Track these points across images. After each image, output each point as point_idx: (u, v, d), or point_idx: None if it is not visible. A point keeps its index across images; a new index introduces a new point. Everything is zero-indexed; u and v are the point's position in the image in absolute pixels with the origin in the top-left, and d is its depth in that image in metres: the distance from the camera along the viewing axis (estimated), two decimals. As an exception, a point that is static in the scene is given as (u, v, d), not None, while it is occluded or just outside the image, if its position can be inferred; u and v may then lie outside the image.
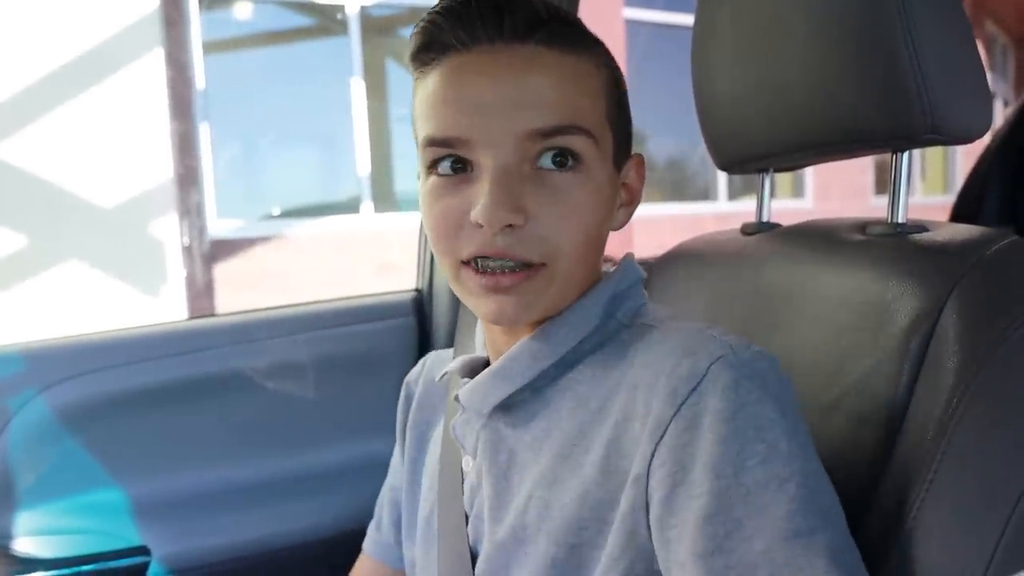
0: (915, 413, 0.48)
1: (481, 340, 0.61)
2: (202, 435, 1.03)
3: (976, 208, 1.30)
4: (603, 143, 0.50)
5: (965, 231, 0.55)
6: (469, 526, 0.56)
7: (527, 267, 0.48)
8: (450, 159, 0.48)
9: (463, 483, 0.57)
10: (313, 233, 4.55)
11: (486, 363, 0.59)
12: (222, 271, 4.32)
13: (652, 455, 0.44)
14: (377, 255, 4.48)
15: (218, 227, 4.35)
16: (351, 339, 1.12)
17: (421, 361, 0.74)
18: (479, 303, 0.49)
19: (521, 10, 0.47)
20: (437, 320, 1.15)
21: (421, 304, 1.18)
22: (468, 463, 0.57)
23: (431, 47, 0.49)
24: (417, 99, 0.51)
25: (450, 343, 1.11)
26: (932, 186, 7.78)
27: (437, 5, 0.50)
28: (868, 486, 0.49)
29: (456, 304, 1.12)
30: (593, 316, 0.52)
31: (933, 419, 0.46)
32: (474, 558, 0.54)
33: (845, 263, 0.58)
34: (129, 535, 0.96)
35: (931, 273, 0.51)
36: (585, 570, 0.47)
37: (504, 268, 0.47)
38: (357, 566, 0.77)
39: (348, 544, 1.05)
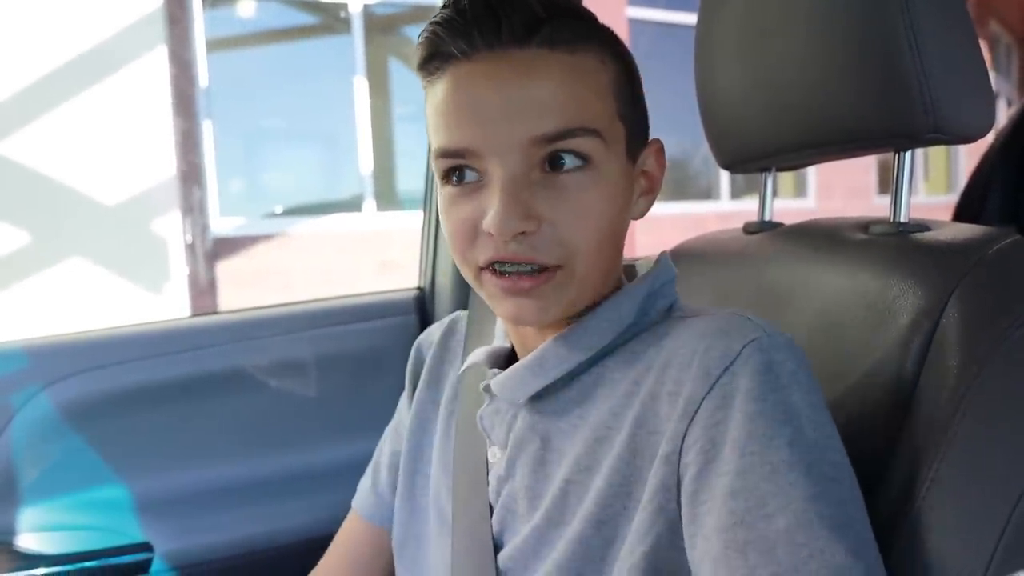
0: (917, 412, 0.48)
1: (502, 330, 0.61)
2: (205, 432, 1.04)
3: (979, 208, 1.30)
4: (613, 139, 0.49)
5: (967, 230, 0.55)
6: (494, 517, 0.55)
7: (545, 269, 0.48)
8: (461, 169, 0.49)
9: (488, 473, 0.57)
10: (315, 231, 4.55)
11: (511, 353, 0.59)
12: (225, 269, 4.33)
13: (685, 434, 0.45)
14: (379, 253, 4.49)
15: (221, 225, 4.36)
16: (353, 337, 1.12)
17: (438, 324, 0.73)
18: (499, 305, 0.50)
19: (518, 13, 0.47)
20: (439, 317, 1.15)
21: (423, 302, 1.18)
22: (495, 454, 0.57)
23: (435, 57, 0.50)
24: (428, 108, 0.52)
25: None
26: (935, 186, 7.76)
27: (436, 14, 0.50)
28: (872, 483, 0.49)
29: (459, 302, 1.12)
30: (628, 313, 0.53)
31: (935, 418, 0.46)
32: (497, 548, 0.54)
33: (847, 262, 0.58)
34: (132, 531, 0.97)
35: (933, 272, 0.51)
36: (611, 547, 0.47)
37: (521, 271, 0.48)
38: (347, 527, 0.75)
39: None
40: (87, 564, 0.93)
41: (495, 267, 0.49)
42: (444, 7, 0.50)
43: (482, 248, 0.49)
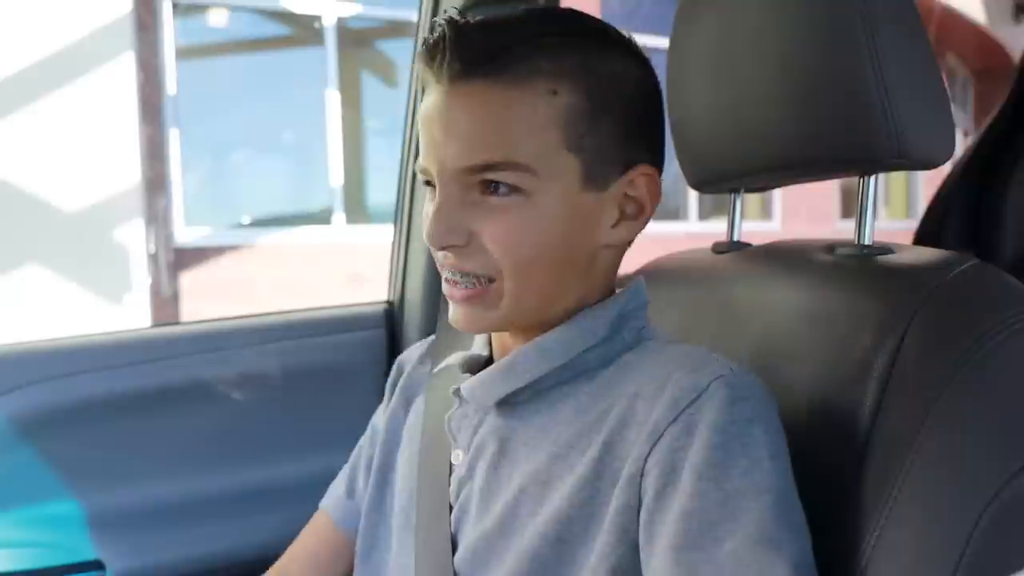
0: (880, 432, 0.48)
1: (483, 339, 0.63)
2: (163, 446, 1.01)
3: (939, 233, 1.33)
4: (552, 172, 0.50)
5: (929, 254, 0.56)
6: (452, 516, 0.57)
7: (478, 283, 0.52)
8: (429, 184, 0.54)
9: (450, 475, 0.59)
10: (283, 243, 4.50)
11: (487, 361, 0.61)
12: (188, 279, 4.25)
13: (647, 457, 0.47)
14: (348, 267, 4.45)
15: (186, 235, 4.28)
16: (321, 350, 1.10)
17: (418, 345, 0.76)
18: (450, 309, 0.55)
19: (466, 48, 0.49)
20: (408, 332, 1.14)
21: (392, 316, 1.17)
22: (458, 456, 0.58)
23: (426, 76, 0.53)
24: None
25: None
26: (895, 211, 7.98)
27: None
28: (834, 503, 0.49)
29: (429, 316, 1.11)
30: (600, 327, 0.55)
31: (897, 439, 0.47)
32: (454, 550, 0.55)
33: (813, 283, 0.59)
34: (83, 549, 0.93)
35: (896, 294, 0.52)
36: (570, 567, 0.49)
37: (457, 281, 0.53)
38: (312, 528, 0.75)
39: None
40: (35, 583, 0.89)
41: (447, 275, 0.54)
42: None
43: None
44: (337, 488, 0.75)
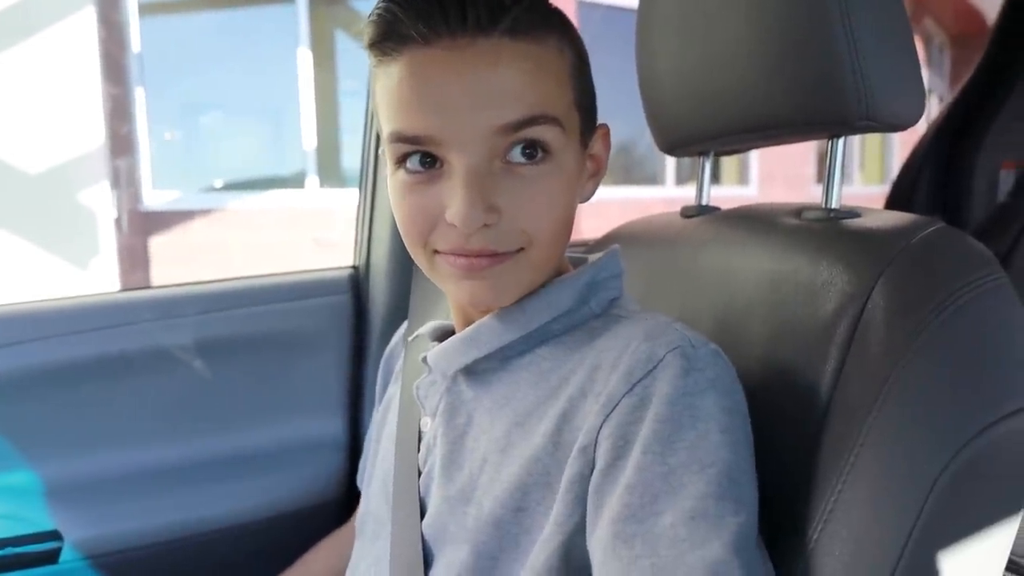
0: (841, 395, 0.48)
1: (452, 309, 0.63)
2: (123, 414, 0.99)
3: (910, 197, 1.34)
4: (570, 127, 0.50)
5: (895, 218, 0.55)
6: (420, 482, 0.57)
7: (505, 255, 0.49)
8: (418, 155, 0.48)
9: (420, 442, 0.59)
10: (254, 207, 4.42)
11: (454, 330, 0.61)
12: (157, 244, 4.17)
13: (600, 427, 0.46)
14: (321, 231, 4.39)
15: (153, 198, 4.19)
16: (285, 316, 1.08)
17: (399, 331, 0.77)
18: (454, 288, 0.51)
19: (482, 2, 0.46)
20: (374, 297, 1.12)
21: (358, 281, 1.15)
22: (427, 423, 0.59)
23: (389, 37, 0.47)
24: (379, 88, 0.50)
25: (389, 319, 1.09)
26: (870, 176, 8.05)
27: None
28: (793, 470, 0.49)
29: (395, 281, 1.10)
30: (567, 298, 0.54)
31: (858, 402, 0.47)
32: (423, 516, 0.56)
33: (780, 246, 0.58)
34: (39, 519, 0.91)
35: (861, 258, 0.51)
36: (528, 535, 0.49)
37: (478, 255, 0.49)
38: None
39: (278, 527, 1.02)
40: (-11, 554, 0.88)
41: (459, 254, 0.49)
42: None
43: (441, 237, 0.49)
44: (363, 460, 0.78)
